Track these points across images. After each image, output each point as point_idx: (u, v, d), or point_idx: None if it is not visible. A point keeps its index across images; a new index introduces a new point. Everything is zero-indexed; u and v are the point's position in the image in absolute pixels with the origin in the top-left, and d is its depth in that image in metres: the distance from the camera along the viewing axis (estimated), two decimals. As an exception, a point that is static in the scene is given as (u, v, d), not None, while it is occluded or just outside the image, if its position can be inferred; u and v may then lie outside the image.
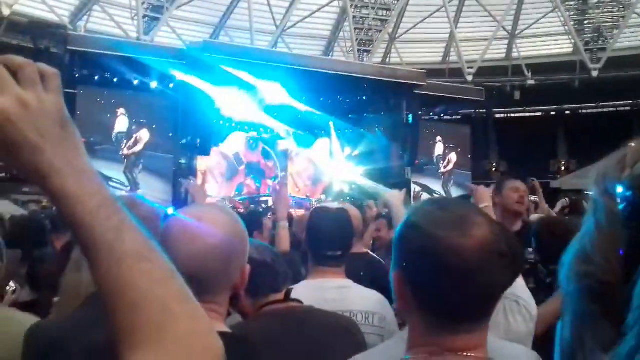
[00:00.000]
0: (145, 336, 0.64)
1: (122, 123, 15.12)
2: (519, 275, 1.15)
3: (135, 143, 15.13)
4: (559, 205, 5.51)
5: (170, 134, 15.59)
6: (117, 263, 0.65)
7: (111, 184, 13.15)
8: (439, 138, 19.40)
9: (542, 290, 2.50)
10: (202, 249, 1.23)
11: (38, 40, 14.54)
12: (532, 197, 4.94)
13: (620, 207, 0.67)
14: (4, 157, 0.64)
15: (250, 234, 1.52)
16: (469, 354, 0.99)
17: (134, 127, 15.10)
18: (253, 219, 4.41)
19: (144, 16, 19.15)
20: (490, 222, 1.02)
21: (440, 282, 0.98)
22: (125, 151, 14.93)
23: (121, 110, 15.12)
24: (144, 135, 15.34)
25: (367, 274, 2.77)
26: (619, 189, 0.68)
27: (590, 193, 0.71)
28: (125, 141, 14.90)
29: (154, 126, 15.37)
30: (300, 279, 2.33)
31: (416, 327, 1.06)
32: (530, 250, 3.05)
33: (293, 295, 1.86)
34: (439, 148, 19.31)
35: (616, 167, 0.72)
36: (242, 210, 9.42)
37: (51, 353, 1.45)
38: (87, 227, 0.65)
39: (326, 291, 2.16)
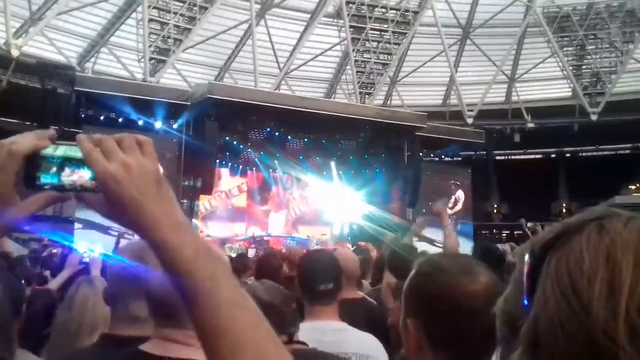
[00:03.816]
0: None
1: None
2: None
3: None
4: None
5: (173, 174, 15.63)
6: (216, 309, 0.72)
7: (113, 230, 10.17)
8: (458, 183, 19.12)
9: None
10: None
11: (46, 80, 14.81)
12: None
13: None
14: (113, 212, 0.73)
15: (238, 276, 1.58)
16: None
17: None
18: (239, 262, 5.18)
19: (151, 58, 19.52)
20: (488, 269, 1.20)
21: (455, 323, 1.13)
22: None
23: None
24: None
25: (364, 320, 2.75)
26: None
27: None
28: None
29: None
30: None
31: None
32: None
33: (292, 337, 1.90)
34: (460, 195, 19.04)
35: None
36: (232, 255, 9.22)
37: None
38: (186, 275, 0.72)
39: (323, 333, 2.19)
